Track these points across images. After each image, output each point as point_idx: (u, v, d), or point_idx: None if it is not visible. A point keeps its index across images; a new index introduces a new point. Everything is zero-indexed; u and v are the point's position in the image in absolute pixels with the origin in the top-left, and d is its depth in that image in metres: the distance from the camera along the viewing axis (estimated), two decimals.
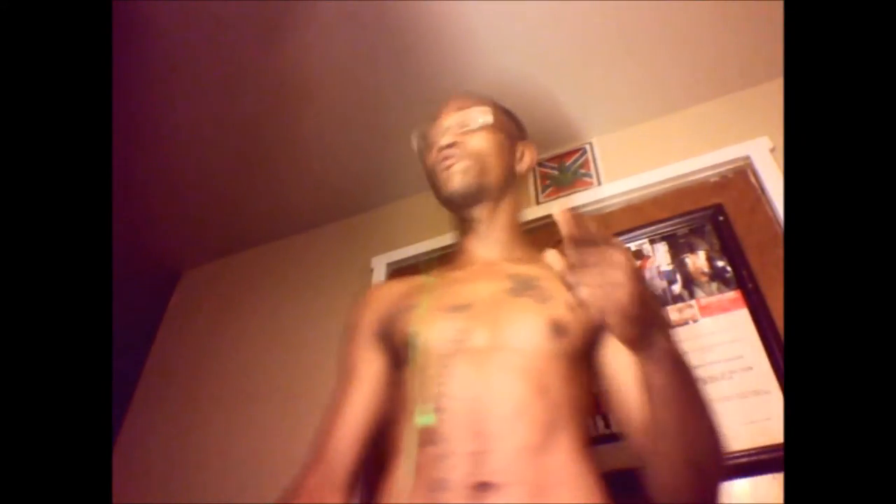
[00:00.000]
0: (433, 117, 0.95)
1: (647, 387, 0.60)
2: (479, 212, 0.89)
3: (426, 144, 0.94)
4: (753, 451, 0.94)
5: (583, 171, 1.49)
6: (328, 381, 0.90)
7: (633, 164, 1.41)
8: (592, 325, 0.74)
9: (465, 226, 0.92)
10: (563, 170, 1.52)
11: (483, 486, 0.59)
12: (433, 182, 0.91)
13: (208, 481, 1.37)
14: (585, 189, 1.44)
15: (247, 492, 1.30)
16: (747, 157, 1.28)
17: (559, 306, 0.74)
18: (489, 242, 0.90)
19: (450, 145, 0.87)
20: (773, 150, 1.27)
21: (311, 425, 0.83)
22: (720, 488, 0.64)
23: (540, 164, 1.56)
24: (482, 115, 0.91)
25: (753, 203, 1.23)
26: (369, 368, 0.82)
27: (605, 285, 0.52)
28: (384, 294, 0.89)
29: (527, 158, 0.97)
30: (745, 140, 1.30)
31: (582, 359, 0.74)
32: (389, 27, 1.26)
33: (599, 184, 1.44)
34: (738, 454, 0.94)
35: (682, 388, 0.59)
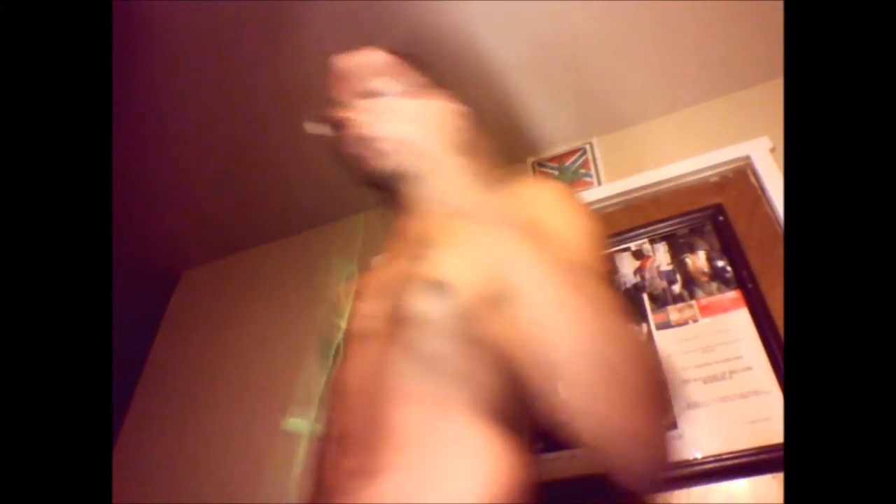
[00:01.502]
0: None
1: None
2: (411, 190, 0.73)
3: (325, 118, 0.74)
4: (753, 451, 0.94)
5: (583, 171, 1.49)
6: None
7: (633, 164, 1.41)
8: (495, 279, 0.59)
9: (397, 204, 0.78)
10: (563, 170, 1.52)
11: (365, 474, 0.57)
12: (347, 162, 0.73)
13: (208, 481, 1.37)
14: (585, 189, 1.44)
15: (246, 491, 1.30)
16: (747, 157, 1.28)
17: (445, 265, 0.63)
18: (426, 217, 0.73)
19: (354, 119, 0.67)
20: (773, 150, 1.27)
21: None
22: (663, 416, 0.50)
23: (540, 164, 1.56)
24: (381, 78, 0.73)
25: (753, 203, 1.23)
26: None
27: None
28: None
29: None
30: (745, 140, 1.31)
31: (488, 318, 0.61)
32: (390, 28, 1.26)
33: (599, 184, 1.44)
34: (738, 454, 0.94)
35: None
